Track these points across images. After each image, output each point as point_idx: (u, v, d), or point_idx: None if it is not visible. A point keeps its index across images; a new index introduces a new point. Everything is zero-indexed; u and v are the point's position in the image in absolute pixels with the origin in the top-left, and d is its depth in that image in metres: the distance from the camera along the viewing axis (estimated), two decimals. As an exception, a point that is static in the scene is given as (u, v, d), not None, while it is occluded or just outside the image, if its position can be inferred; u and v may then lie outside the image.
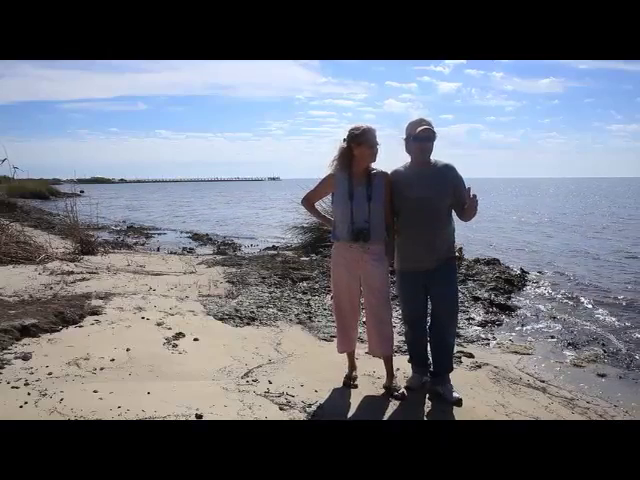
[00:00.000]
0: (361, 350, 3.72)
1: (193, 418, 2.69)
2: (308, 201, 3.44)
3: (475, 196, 2.95)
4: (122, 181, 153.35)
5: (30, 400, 2.83)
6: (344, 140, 3.08)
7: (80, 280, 6.20)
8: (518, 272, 7.83)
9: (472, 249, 9.73)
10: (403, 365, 3.57)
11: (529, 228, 16.69)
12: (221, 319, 4.91)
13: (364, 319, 3.46)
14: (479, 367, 3.88)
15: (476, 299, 6.08)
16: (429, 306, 3.28)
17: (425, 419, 2.97)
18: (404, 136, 3.15)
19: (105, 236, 12.48)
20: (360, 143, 3.02)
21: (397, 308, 4.86)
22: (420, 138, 3.04)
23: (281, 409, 2.91)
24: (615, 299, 6.64)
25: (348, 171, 3.09)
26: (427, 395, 3.21)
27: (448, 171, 3.11)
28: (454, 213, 3.18)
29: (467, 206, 3.00)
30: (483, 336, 4.82)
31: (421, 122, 3.05)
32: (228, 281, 6.63)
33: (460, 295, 5.99)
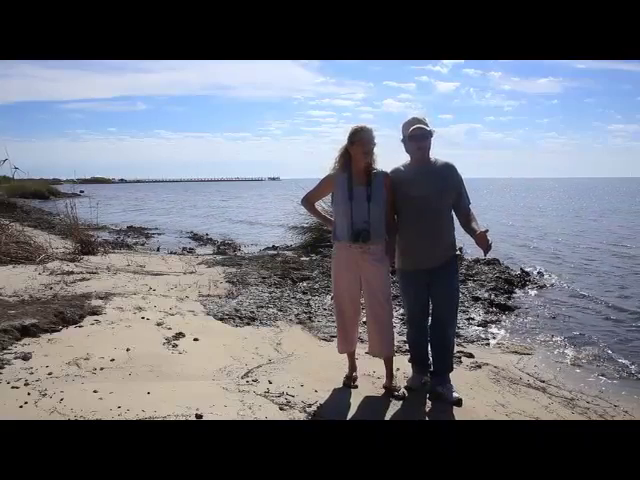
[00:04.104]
0: (361, 350, 3.72)
1: (193, 418, 2.69)
2: (308, 201, 3.43)
3: (488, 241, 2.93)
4: (122, 181, 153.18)
5: (30, 400, 2.83)
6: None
7: (80, 280, 6.20)
8: (518, 272, 7.83)
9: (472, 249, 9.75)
10: (403, 365, 3.57)
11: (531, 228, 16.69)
12: (221, 319, 4.91)
13: (364, 319, 3.46)
14: (479, 367, 3.88)
15: (476, 299, 6.09)
16: (429, 306, 3.28)
17: (425, 419, 2.97)
18: (402, 138, 3.16)
19: (105, 236, 12.47)
20: (354, 142, 3.04)
21: (398, 308, 4.87)
22: (415, 137, 3.05)
23: (281, 409, 2.91)
24: (615, 299, 6.64)
25: (348, 171, 3.10)
26: (427, 395, 3.21)
27: (448, 170, 3.12)
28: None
29: (477, 238, 2.98)
30: (483, 336, 4.82)
31: (413, 121, 3.07)
32: (228, 281, 6.64)
33: (460, 295, 5.98)
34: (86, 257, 8.09)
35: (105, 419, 2.62)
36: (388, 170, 3.18)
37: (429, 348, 3.32)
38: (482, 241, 2.95)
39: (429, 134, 3.07)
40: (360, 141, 3.04)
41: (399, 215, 3.20)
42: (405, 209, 3.15)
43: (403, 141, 3.15)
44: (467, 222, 3.11)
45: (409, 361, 3.45)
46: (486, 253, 3.02)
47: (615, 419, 3.11)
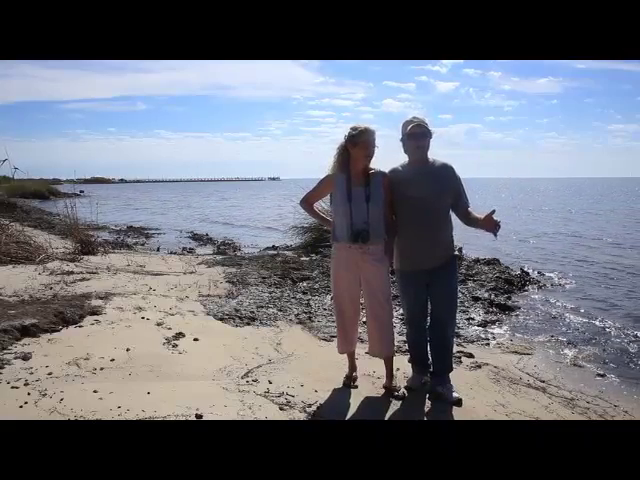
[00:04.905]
0: (361, 350, 3.72)
1: (193, 418, 2.69)
2: (307, 202, 3.42)
3: (495, 221, 2.91)
4: (122, 181, 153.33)
5: (30, 400, 2.83)
6: (344, 137, 3.08)
7: (80, 280, 6.21)
8: (518, 272, 7.83)
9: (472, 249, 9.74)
10: (403, 365, 3.57)
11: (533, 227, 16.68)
12: (221, 319, 4.91)
13: (364, 319, 3.46)
14: (479, 367, 3.88)
15: (476, 299, 6.09)
16: (429, 306, 3.28)
17: (425, 419, 2.97)
18: (401, 137, 3.16)
19: (105, 236, 12.47)
20: (356, 144, 3.01)
21: (398, 308, 4.87)
22: (414, 135, 3.04)
23: (281, 409, 2.91)
24: (615, 299, 6.64)
25: (346, 172, 3.09)
26: (427, 395, 3.21)
27: (446, 170, 3.12)
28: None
29: (483, 222, 2.96)
30: (483, 336, 4.82)
31: (413, 120, 3.07)
32: (228, 281, 6.64)
33: (460, 295, 5.99)
34: (86, 257, 8.09)
35: (105, 419, 2.63)
36: (386, 170, 3.18)
37: (429, 348, 3.32)
38: (489, 223, 2.91)
39: (428, 133, 3.07)
40: (364, 143, 3.01)
41: (397, 215, 3.20)
42: (403, 209, 3.15)
43: (402, 140, 3.14)
44: (468, 217, 3.09)
45: (409, 361, 3.45)
46: (496, 233, 2.92)
47: (615, 419, 3.11)
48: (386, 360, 3.26)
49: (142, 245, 11.90)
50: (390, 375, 3.26)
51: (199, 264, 8.04)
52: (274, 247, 10.81)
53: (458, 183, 3.14)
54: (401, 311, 4.26)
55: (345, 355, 3.41)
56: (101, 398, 2.89)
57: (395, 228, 3.20)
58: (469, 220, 3.10)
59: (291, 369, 3.60)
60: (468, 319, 5.36)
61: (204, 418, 2.70)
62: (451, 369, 3.27)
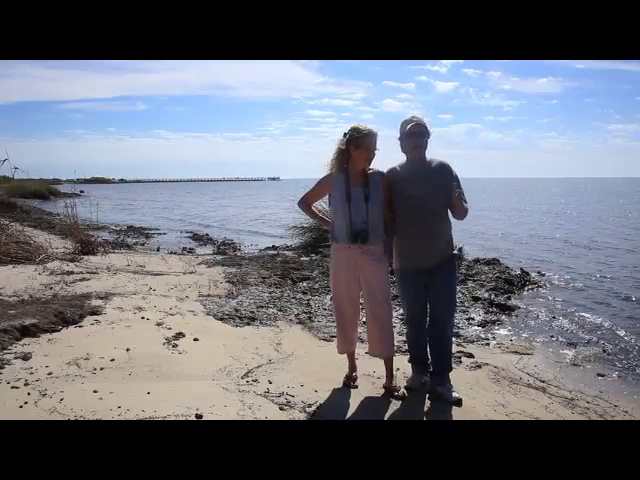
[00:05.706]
0: (361, 350, 3.72)
1: (193, 418, 2.69)
2: (305, 203, 3.41)
3: (458, 192, 2.99)
4: (122, 181, 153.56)
5: (30, 400, 2.83)
6: (344, 135, 3.07)
7: (80, 280, 6.21)
8: (518, 272, 7.83)
9: (472, 248, 9.73)
10: (403, 365, 3.57)
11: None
12: (221, 319, 4.91)
13: (364, 319, 3.46)
14: (479, 367, 3.88)
15: (476, 299, 6.08)
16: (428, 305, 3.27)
17: (425, 419, 2.97)
18: (399, 136, 3.16)
19: (105, 236, 12.47)
20: (359, 146, 3.00)
21: (398, 308, 4.87)
22: (412, 135, 3.05)
23: (281, 409, 2.91)
24: (614, 299, 6.64)
25: (345, 172, 3.08)
26: (427, 395, 3.21)
27: (444, 169, 3.12)
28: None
29: (453, 204, 3.03)
30: (483, 336, 4.82)
31: (411, 120, 3.07)
32: (228, 281, 6.64)
33: (460, 295, 5.99)
34: (86, 257, 8.09)
35: (105, 419, 2.62)
36: (384, 170, 3.18)
37: (428, 348, 3.32)
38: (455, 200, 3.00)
39: (426, 133, 3.08)
40: (367, 146, 3.00)
41: (396, 215, 3.20)
42: (402, 209, 3.15)
43: (400, 139, 3.15)
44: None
45: (409, 361, 3.45)
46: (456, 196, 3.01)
47: (615, 419, 3.11)
48: (386, 360, 3.26)
49: (142, 245, 11.89)
50: (390, 375, 3.26)
51: (199, 264, 8.04)
52: (274, 247, 10.82)
53: (454, 181, 3.11)
54: (401, 311, 4.26)
55: (345, 355, 3.41)
56: (101, 398, 2.89)
57: (394, 228, 3.20)
58: (454, 212, 3.13)
59: (291, 369, 3.60)
60: (468, 319, 5.35)
61: (204, 418, 2.70)
62: (451, 369, 3.28)
